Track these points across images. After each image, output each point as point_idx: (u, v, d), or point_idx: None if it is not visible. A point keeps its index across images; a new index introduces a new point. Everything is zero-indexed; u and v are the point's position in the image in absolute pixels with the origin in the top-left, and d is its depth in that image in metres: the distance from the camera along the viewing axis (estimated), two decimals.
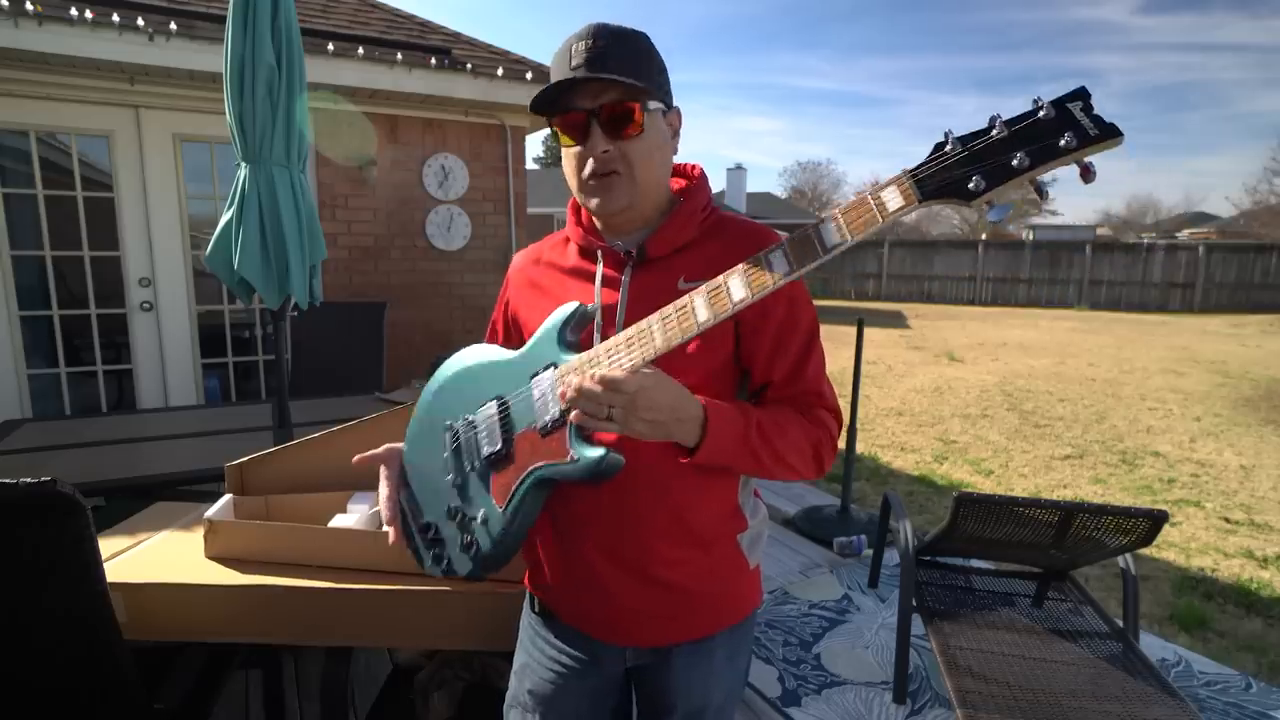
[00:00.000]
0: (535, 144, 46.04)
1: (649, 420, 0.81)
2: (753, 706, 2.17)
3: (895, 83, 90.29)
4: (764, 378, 1.00)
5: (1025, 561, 2.32)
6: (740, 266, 0.79)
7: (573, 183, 0.99)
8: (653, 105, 0.95)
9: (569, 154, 0.97)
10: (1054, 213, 38.44)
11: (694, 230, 1.00)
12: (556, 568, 1.05)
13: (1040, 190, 0.65)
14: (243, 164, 2.30)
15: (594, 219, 1.04)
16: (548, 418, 0.88)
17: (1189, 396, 7.42)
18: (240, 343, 4.39)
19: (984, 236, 22.35)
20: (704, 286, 0.81)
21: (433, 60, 4.26)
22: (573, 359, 0.88)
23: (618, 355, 0.84)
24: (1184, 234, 30.92)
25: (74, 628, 1.25)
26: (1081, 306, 19.03)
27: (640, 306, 0.96)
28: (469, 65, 4.36)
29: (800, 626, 2.63)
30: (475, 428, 0.96)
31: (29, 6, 3.20)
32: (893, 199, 0.68)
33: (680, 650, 1.05)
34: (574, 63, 0.91)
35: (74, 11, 3.28)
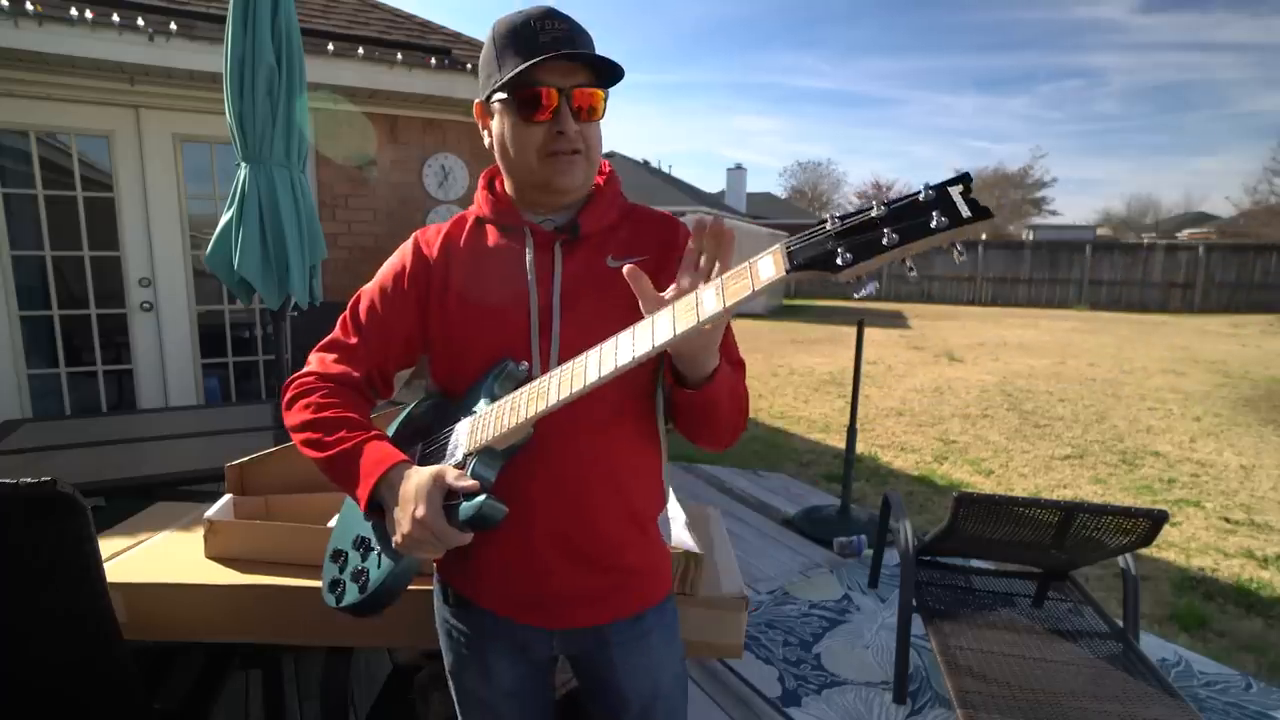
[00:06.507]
0: None
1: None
2: (753, 706, 2.17)
3: (895, 82, 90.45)
4: None
5: (1025, 561, 2.32)
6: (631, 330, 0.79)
7: (526, 157, 0.97)
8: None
9: (529, 128, 0.95)
10: (1054, 213, 38.51)
11: (616, 213, 1.05)
12: (484, 553, 1.01)
13: (956, 249, 0.64)
14: (243, 164, 2.30)
15: (511, 194, 1.06)
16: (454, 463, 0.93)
17: (1189, 396, 7.42)
18: (240, 343, 4.38)
19: (984, 236, 22.37)
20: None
21: (433, 60, 4.25)
22: (483, 411, 0.92)
23: (518, 406, 0.87)
24: (1184, 234, 30.95)
25: (74, 628, 1.25)
26: (1081, 306, 19.04)
27: (575, 285, 0.99)
28: (469, 65, 4.36)
29: (800, 626, 2.63)
30: None
31: (29, 6, 3.20)
32: (767, 268, 0.69)
33: (615, 632, 1.05)
34: (543, 40, 0.91)
35: (74, 11, 3.27)
